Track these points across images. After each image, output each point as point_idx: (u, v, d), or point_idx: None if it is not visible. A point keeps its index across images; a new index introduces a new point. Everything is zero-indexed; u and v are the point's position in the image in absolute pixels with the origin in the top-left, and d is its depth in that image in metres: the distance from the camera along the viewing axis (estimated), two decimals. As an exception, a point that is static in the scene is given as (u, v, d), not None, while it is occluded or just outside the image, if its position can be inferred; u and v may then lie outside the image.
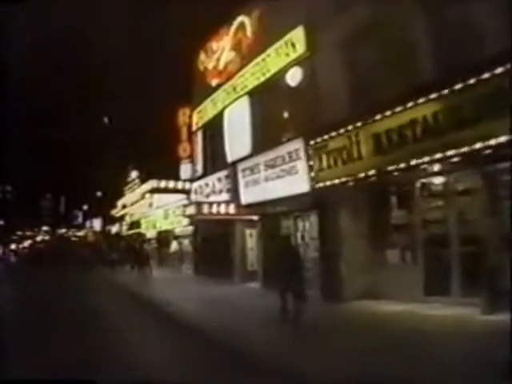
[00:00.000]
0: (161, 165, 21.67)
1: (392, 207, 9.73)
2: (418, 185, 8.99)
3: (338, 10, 9.47)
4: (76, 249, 41.38)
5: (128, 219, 33.23)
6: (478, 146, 6.49)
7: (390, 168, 7.90)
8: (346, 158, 8.67)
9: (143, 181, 27.41)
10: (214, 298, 11.65)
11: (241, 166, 13.05)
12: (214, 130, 16.35)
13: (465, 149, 6.70)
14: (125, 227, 34.47)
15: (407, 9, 8.35)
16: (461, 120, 6.66)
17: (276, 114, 12.37)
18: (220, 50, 15.37)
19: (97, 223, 53.05)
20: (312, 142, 9.55)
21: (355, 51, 9.45)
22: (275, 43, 11.75)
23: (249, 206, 12.98)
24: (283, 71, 11.54)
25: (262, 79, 12.58)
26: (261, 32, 12.86)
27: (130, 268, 22.40)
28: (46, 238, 78.71)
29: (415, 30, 8.33)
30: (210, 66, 16.13)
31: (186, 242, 21.50)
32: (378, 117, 8.00)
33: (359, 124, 8.38)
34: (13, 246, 55.40)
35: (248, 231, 14.76)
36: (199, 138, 18.03)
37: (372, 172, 8.26)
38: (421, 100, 7.23)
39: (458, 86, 6.69)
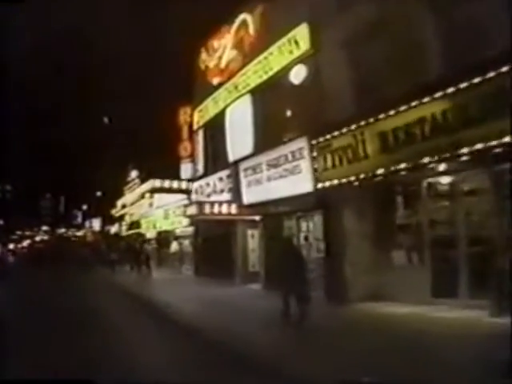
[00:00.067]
0: (161, 164, 21.54)
1: (398, 207, 9.58)
2: (424, 184, 8.84)
3: (341, 7, 9.31)
4: (75, 249, 41.19)
5: (128, 219, 33.07)
6: (486, 144, 6.36)
7: (397, 167, 7.74)
8: (352, 156, 8.50)
9: (143, 180, 27.29)
10: (215, 299, 11.51)
11: (243, 166, 12.88)
12: (215, 129, 16.20)
13: (473, 148, 6.56)
14: (124, 227, 34.30)
15: (412, 6, 8.21)
16: (469, 118, 6.52)
17: (279, 112, 12.21)
18: (222, 49, 15.21)
19: (96, 223, 52.93)
20: (316, 141, 9.37)
21: (360, 49, 9.28)
22: (278, 41, 11.59)
23: (251, 205, 12.81)
24: (286, 69, 11.38)
25: (265, 77, 12.42)
26: (263, 30, 12.72)
27: (129, 268, 22.29)
28: (45, 237, 78.57)
29: (421, 27, 8.19)
30: (212, 64, 15.98)
31: (186, 242, 21.33)
32: (385, 115, 7.84)
33: (365, 122, 8.21)
34: (11, 246, 55.16)
35: (250, 232, 14.59)
36: (200, 137, 17.88)
37: (378, 171, 8.10)
38: (427, 98, 7.09)
39: (466, 84, 6.55)
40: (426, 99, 7.12)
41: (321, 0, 10.08)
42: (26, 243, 69.65)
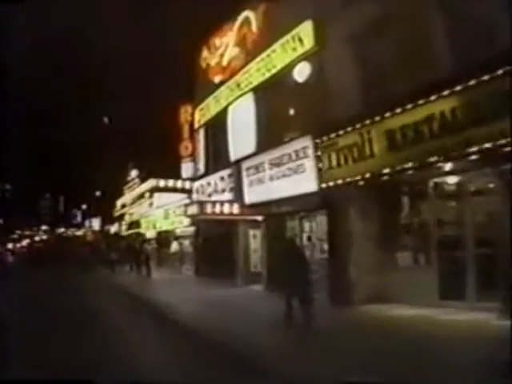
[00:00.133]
0: (162, 163, 21.39)
1: (404, 207, 9.41)
2: (431, 184, 8.67)
3: (346, 2, 9.14)
4: (75, 248, 41.03)
5: (127, 219, 32.91)
6: (495, 143, 6.20)
7: (404, 166, 7.57)
8: (358, 155, 8.33)
9: (143, 180, 27.15)
10: (216, 300, 11.38)
11: (245, 165, 12.71)
12: (216, 127, 16.03)
13: (482, 146, 6.40)
14: (124, 227, 34.14)
15: (419, 2, 8.04)
16: (478, 116, 6.36)
17: (282, 110, 12.03)
18: (224, 46, 15.04)
19: (96, 223, 52.81)
20: (321, 140, 9.20)
21: (366, 45, 9.12)
22: (281, 38, 11.41)
23: (253, 205, 12.63)
24: (290, 67, 11.21)
25: (268, 75, 12.23)
26: (266, 27, 12.55)
27: (129, 269, 22.14)
28: (45, 237, 78.49)
29: (429, 23, 8.03)
30: (213, 62, 15.81)
31: (186, 242, 21.17)
32: (392, 113, 7.67)
33: (372, 120, 8.03)
34: (10, 246, 54.97)
35: (251, 232, 14.41)
36: (201, 136, 17.71)
37: (384, 170, 7.94)
38: (436, 96, 6.92)
39: (475, 82, 6.39)
40: (434, 97, 6.95)
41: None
42: (25, 243, 69.54)
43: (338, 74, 9.52)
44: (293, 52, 11.03)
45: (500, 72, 6.04)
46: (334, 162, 8.88)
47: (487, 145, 6.34)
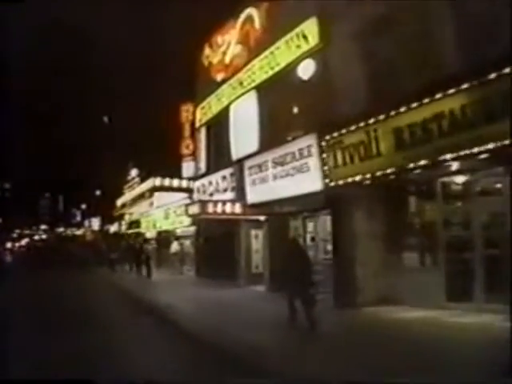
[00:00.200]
0: (162, 162, 21.20)
1: (410, 207, 9.25)
2: (438, 184, 8.51)
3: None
4: (74, 248, 40.92)
5: (127, 218, 32.72)
6: (504, 142, 6.05)
7: (412, 165, 7.41)
8: (364, 154, 8.15)
9: (143, 179, 26.95)
10: (217, 300, 11.24)
11: (247, 164, 12.52)
12: (218, 126, 15.85)
13: (491, 145, 6.26)
14: (124, 226, 33.95)
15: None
16: (487, 114, 6.21)
17: (286, 109, 11.85)
18: (226, 44, 14.87)
19: (95, 222, 52.65)
20: (326, 138, 9.02)
21: (373, 41, 8.97)
22: (285, 35, 11.24)
23: (255, 205, 12.46)
24: (294, 64, 11.03)
25: (271, 73, 12.05)
26: (269, 24, 12.38)
27: (129, 269, 21.96)
28: (44, 236, 78.43)
29: (436, 20, 7.87)
30: (215, 60, 15.64)
31: (187, 242, 20.98)
32: (400, 111, 7.49)
33: (379, 118, 7.86)
34: (9, 245, 54.79)
35: (253, 232, 14.24)
36: (202, 135, 17.53)
37: (391, 169, 7.77)
38: (443, 94, 6.77)
39: (484, 79, 6.25)
40: (444, 94, 6.78)
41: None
42: (24, 242, 69.46)
43: (343, 71, 9.36)
44: (297, 49, 10.86)
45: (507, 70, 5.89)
46: (340, 161, 8.71)
47: (497, 143, 6.20)
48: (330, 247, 10.41)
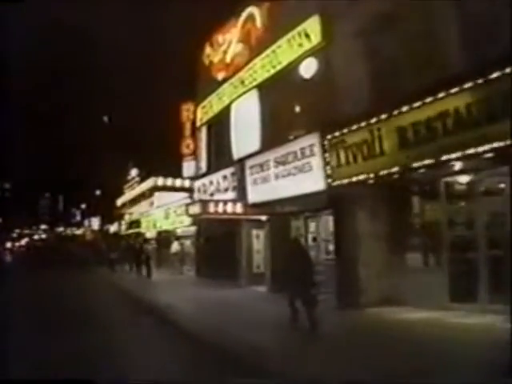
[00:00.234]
0: (163, 162, 21.14)
1: (414, 207, 9.17)
2: (442, 183, 8.43)
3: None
4: (74, 248, 40.85)
5: (127, 218, 32.66)
6: (508, 142, 5.96)
7: (415, 164, 7.33)
8: (367, 153, 8.07)
9: (143, 179, 26.91)
10: (217, 301, 11.17)
11: (249, 163, 12.44)
12: (219, 125, 15.79)
13: (496, 144, 6.18)
14: (124, 226, 33.89)
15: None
16: (492, 113, 6.13)
17: (288, 107, 11.77)
18: (227, 43, 14.81)
19: (95, 222, 52.62)
20: (329, 137, 8.95)
21: (376, 39, 8.88)
22: (287, 34, 11.17)
23: (256, 205, 12.38)
24: (296, 63, 10.96)
25: (273, 72, 11.98)
26: (271, 23, 12.32)
27: (129, 269, 21.88)
28: (44, 236, 78.39)
29: (440, 18, 7.79)
30: (216, 59, 15.58)
31: (187, 242, 20.91)
32: (403, 109, 7.41)
33: (382, 117, 7.78)
34: (9, 245, 54.71)
35: (254, 232, 14.16)
36: (203, 134, 17.46)
37: (395, 169, 7.69)
38: (447, 93, 6.68)
39: (486, 79, 6.18)
40: (448, 93, 6.71)
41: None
42: (24, 242, 69.41)
43: (346, 69, 9.29)
44: (299, 48, 10.79)
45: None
46: (343, 160, 8.63)
47: (502, 143, 6.12)
48: (331, 247, 10.34)
